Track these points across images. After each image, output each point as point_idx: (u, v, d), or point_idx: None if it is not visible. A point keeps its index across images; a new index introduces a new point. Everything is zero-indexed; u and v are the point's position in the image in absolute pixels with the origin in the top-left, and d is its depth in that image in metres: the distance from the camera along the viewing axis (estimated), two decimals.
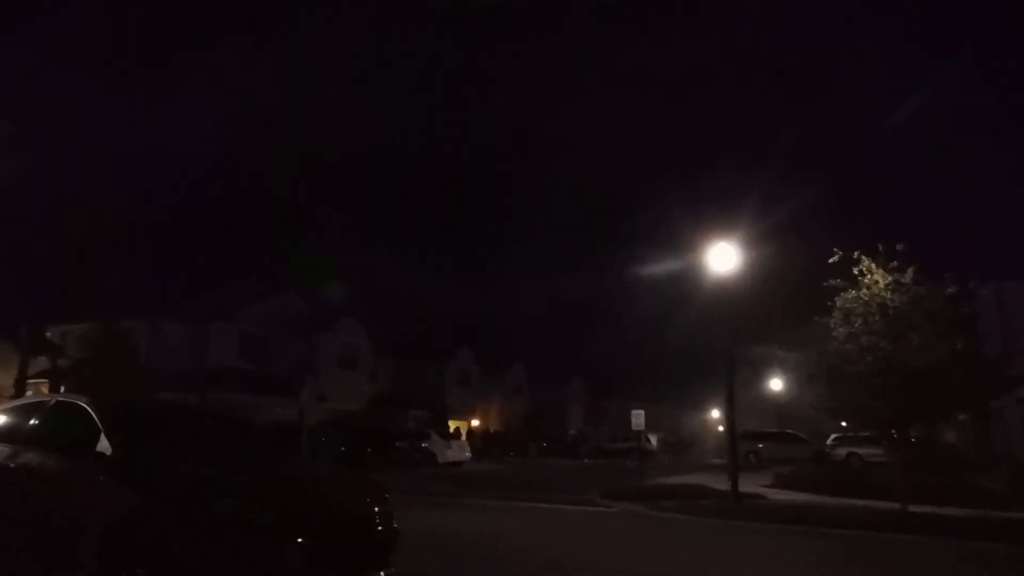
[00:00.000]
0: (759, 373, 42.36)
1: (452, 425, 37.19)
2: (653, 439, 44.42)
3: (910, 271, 13.00)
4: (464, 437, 31.32)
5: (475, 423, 45.84)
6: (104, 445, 5.08)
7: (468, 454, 28.20)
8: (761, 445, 31.37)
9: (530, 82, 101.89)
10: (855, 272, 13.46)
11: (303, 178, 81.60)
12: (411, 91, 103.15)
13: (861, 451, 28.30)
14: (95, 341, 26.62)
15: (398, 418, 34.34)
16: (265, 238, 68.09)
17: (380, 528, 5.21)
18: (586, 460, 36.65)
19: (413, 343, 43.05)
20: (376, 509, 5.29)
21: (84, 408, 5.57)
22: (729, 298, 15.16)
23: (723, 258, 14.18)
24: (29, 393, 23.61)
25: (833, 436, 33.21)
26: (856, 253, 13.43)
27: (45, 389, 25.56)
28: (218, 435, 6.56)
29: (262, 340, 32.51)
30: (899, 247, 13.14)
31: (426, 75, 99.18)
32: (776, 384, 41.72)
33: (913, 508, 12.04)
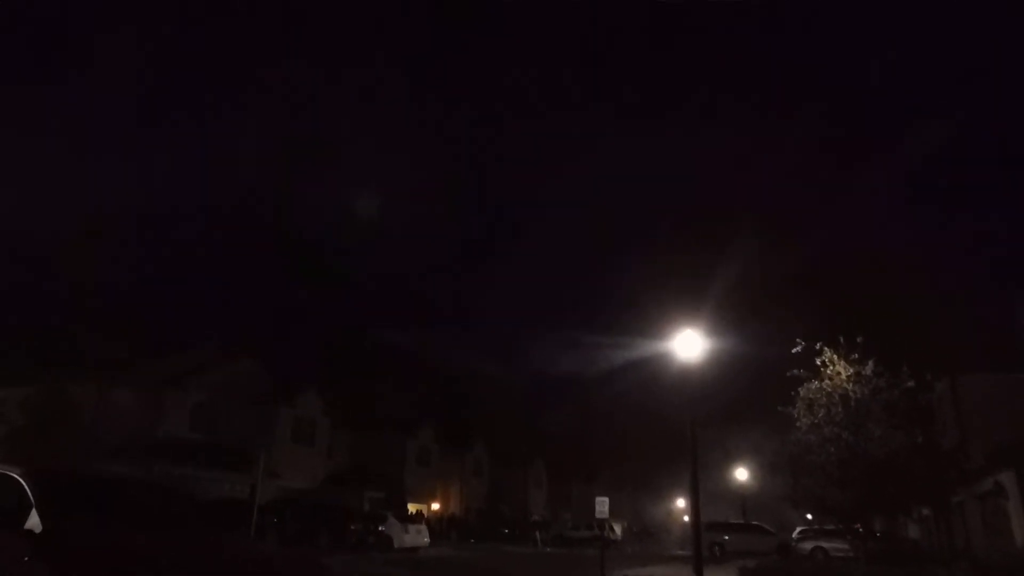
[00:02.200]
0: (724, 462, 42.23)
1: (411, 508, 35.80)
2: (617, 528, 43.21)
3: (870, 363, 13.28)
4: (422, 521, 30.07)
5: (435, 506, 44.25)
6: (34, 522, 4.73)
7: (426, 539, 27.00)
8: (726, 536, 30.83)
9: (506, 167, 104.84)
10: (818, 363, 13.70)
11: (275, 250, 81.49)
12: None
13: (826, 545, 27.97)
14: (38, 406, 25.38)
15: (354, 498, 32.99)
16: (230, 299, 66.91)
17: None
18: (547, 549, 35.39)
19: (372, 419, 41.98)
20: None
21: (17, 480, 5.23)
22: (694, 385, 15.19)
23: (688, 345, 14.28)
24: None
25: (799, 529, 32.84)
26: (819, 344, 13.72)
27: None
28: (160, 513, 6.19)
29: (216, 410, 31.32)
30: (859, 339, 13.48)
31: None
32: (741, 473, 41.50)
33: None
